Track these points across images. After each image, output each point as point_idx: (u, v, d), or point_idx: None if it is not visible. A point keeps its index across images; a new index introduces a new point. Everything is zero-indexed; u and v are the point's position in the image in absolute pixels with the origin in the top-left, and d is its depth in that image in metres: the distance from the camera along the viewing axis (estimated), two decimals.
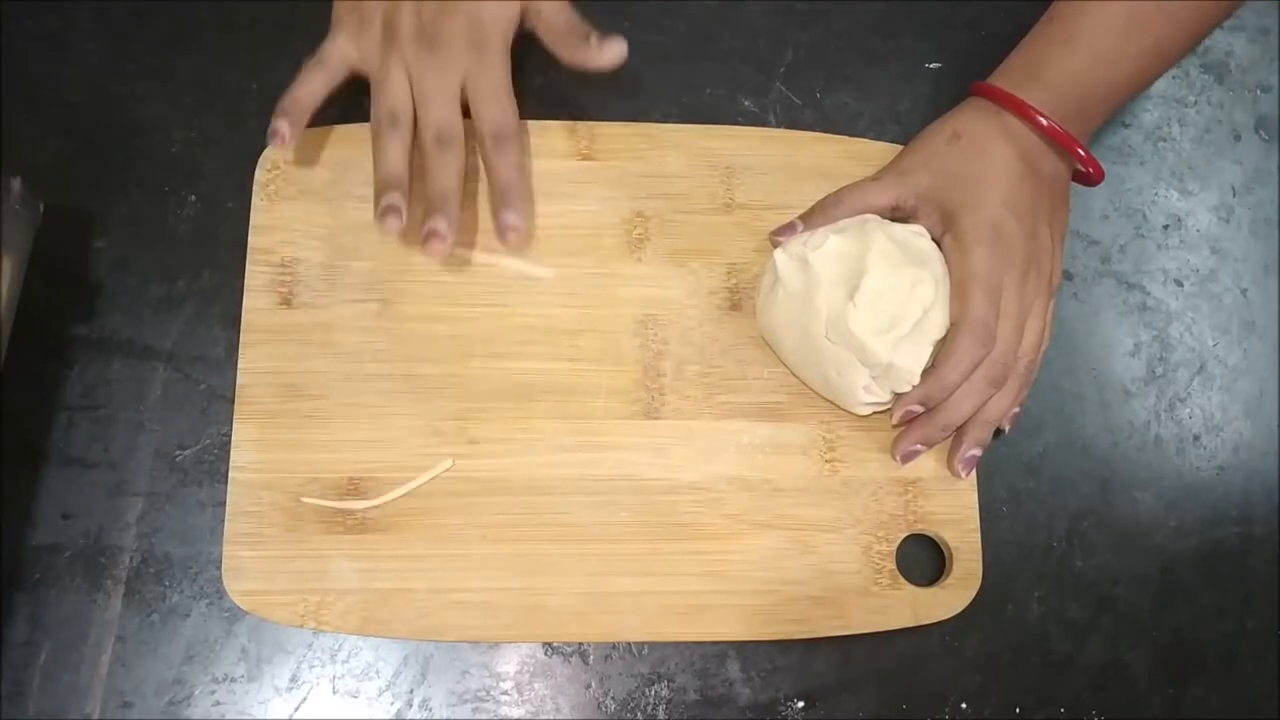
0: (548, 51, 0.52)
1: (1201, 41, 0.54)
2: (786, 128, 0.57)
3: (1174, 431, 0.56)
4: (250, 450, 0.49)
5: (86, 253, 0.52)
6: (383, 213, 0.48)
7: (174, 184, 0.53)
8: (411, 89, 0.50)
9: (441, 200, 0.49)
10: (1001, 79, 0.51)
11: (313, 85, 0.50)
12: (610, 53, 0.51)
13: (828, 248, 0.49)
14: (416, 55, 0.49)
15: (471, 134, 0.50)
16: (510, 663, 0.49)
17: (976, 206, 0.49)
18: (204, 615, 0.48)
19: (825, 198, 0.52)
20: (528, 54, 0.53)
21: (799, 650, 0.50)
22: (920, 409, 0.49)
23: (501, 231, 0.49)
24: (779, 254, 0.50)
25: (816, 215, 0.52)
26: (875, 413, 0.51)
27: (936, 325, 0.48)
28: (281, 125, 0.48)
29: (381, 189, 0.48)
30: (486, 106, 0.50)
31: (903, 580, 0.50)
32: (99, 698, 0.47)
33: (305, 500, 0.48)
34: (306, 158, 0.53)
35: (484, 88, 0.50)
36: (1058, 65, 0.50)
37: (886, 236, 0.49)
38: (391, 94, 0.49)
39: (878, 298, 0.47)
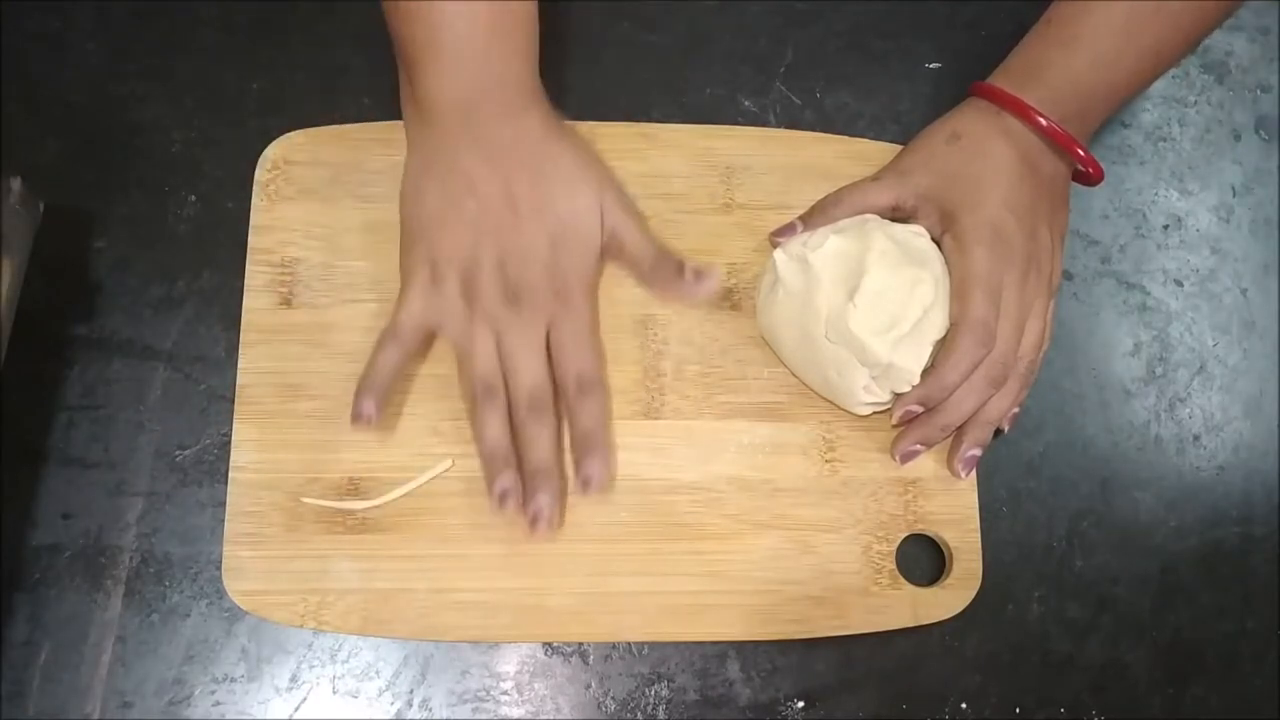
0: (557, 51, 0.52)
1: (1201, 42, 0.54)
2: (786, 128, 0.57)
3: (1174, 431, 0.56)
4: (250, 450, 0.49)
5: (86, 253, 0.52)
6: (500, 497, 0.46)
7: (174, 184, 0.53)
8: (498, 350, 0.48)
9: (542, 476, 0.47)
10: (1001, 79, 0.51)
11: (390, 360, 0.47)
12: (706, 285, 0.48)
13: (827, 248, 0.49)
14: (501, 313, 0.47)
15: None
16: (510, 663, 0.49)
17: (976, 206, 0.49)
18: (204, 615, 0.48)
19: (825, 198, 0.52)
20: None
21: (799, 650, 0.50)
22: (920, 409, 0.49)
23: (583, 482, 0.47)
24: (779, 254, 0.50)
25: (816, 216, 0.52)
26: (875, 413, 0.51)
27: (936, 325, 0.48)
28: (367, 406, 0.46)
29: (492, 469, 0.47)
30: (572, 355, 0.48)
31: (903, 580, 0.50)
32: (99, 698, 0.47)
33: (305, 500, 0.48)
34: (307, 158, 0.53)
35: (568, 335, 0.48)
36: (1057, 66, 0.50)
37: (886, 236, 0.49)
38: (483, 363, 0.47)
39: (878, 298, 0.47)
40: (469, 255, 0.47)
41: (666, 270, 0.49)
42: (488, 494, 0.47)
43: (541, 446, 0.47)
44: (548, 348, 0.48)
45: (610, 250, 0.50)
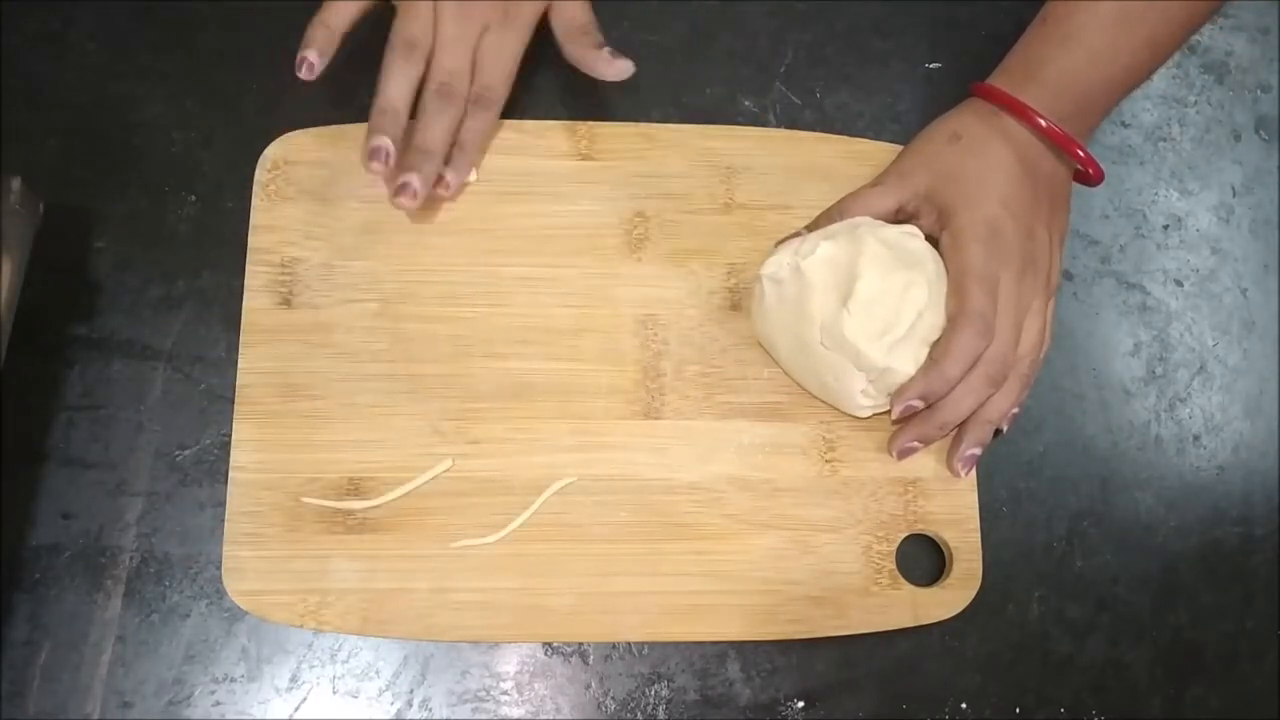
0: (556, 50, 0.52)
1: (1194, 34, 0.54)
2: (786, 128, 0.57)
3: (1174, 431, 0.56)
4: (250, 450, 0.49)
5: (86, 253, 0.52)
6: (371, 153, 0.48)
7: (174, 184, 0.53)
8: (434, 24, 0.50)
9: (423, 156, 0.49)
10: (1000, 80, 0.51)
11: (344, 9, 0.50)
12: (617, 66, 0.52)
13: (819, 254, 0.48)
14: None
15: None
16: (510, 663, 0.49)
17: (973, 205, 0.49)
18: (204, 615, 0.48)
19: (829, 207, 0.52)
20: (529, 53, 0.53)
21: (799, 650, 0.50)
22: (920, 404, 0.48)
23: (435, 181, 0.50)
24: (770, 262, 0.50)
25: (821, 224, 0.52)
26: (875, 414, 0.51)
27: (931, 327, 0.48)
28: (310, 55, 0.49)
29: (377, 122, 0.49)
30: (488, 65, 0.51)
31: (903, 580, 0.50)
32: (99, 698, 0.47)
33: (305, 500, 0.48)
34: (307, 158, 0.53)
35: (494, 47, 0.51)
36: (1054, 64, 0.50)
37: (878, 240, 0.48)
38: (417, 22, 0.50)
39: (871, 303, 0.47)
40: None
41: (588, 38, 0.52)
42: (364, 149, 0.48)
43: (438, 127, 0.50)
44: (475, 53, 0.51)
45: (554, 9, 0.53)
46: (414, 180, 0.49)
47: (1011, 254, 0.49)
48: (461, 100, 0.51)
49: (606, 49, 0.52)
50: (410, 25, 0.50)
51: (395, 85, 0.50)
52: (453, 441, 0.50)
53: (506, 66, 0.52)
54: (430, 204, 0.52)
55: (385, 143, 0.49)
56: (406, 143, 0.50)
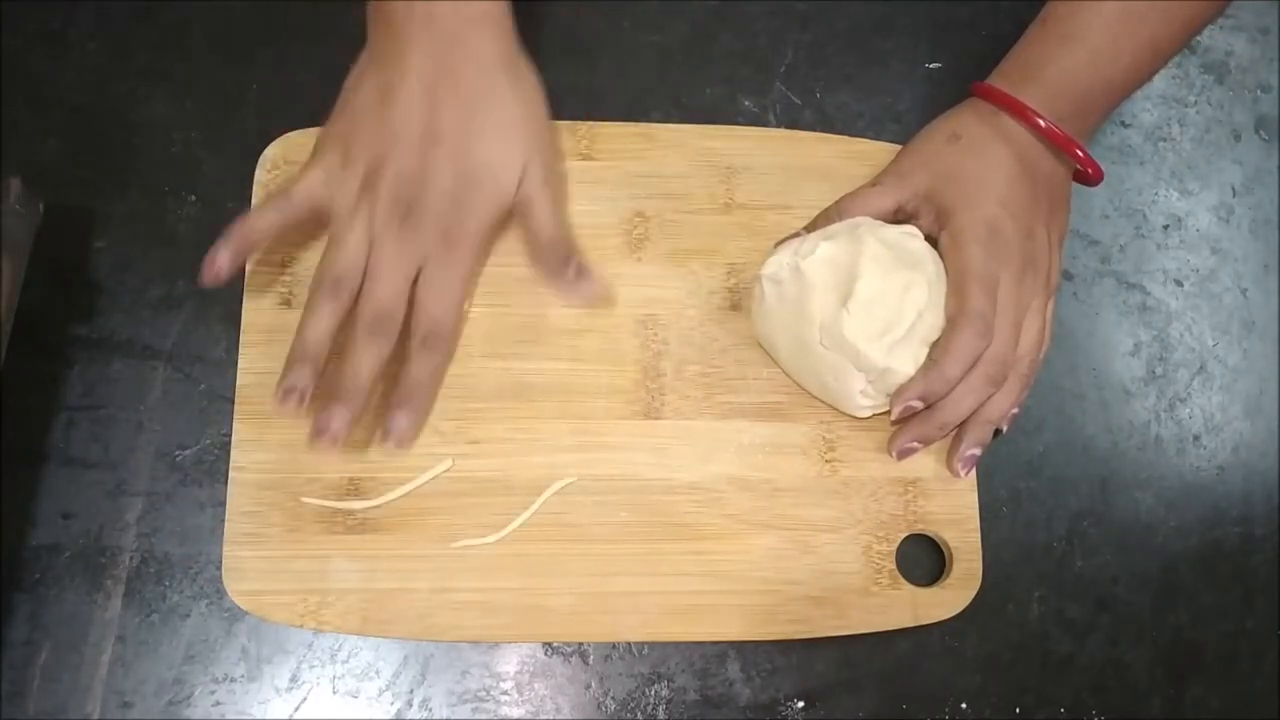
0: (556, 50, 0.52)
1: (1196, 35, 0.54)
2: (786, 128, 0.57)
3: (1174, 431, 0.56)
4: (250, 450, 0.49)
5: (86, 253, 0.52)
6: (285, 392, 0.44)
7: (174, 184, 0.53)
8: (368, 257, 0.47)
9: (350, 394, 0.45)
10: (999, 80, 0.51)
11: (268, 219, 0.47)
12: (584, 287, 0.49)
13: (819, 254, 0.48)
14: (386, 221, 0.46)
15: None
16: (510, 663, 0.49)
17: (972, 205, 0.49)
18: (204, 615, 0.48)
19: (828, 207, 0.52)
20: (529, 53, 0.53)
21: (799, 650, 0.50)
22: (920, 404, 0.48)
23: (385, 432, 0.47)
24: (770, 262, 0.50)
25: (820, 225, 0.52)
26: (875, 414, 0.51)
27: (931, 327, 0.48)
28: (221, 255, 0.45)
29: (294, 359, 0.45)
30: (432, 302, 0.47)
31: (903, 580, 0.50)
32: (99, 698, 0.47)
33: (305, 500, 0.48)
34: (306, 158, 0.53)
35: (437, 280, 0.47)
36: (1054, 64, 0.50)
37: (878, 240, 0.48)
38: (346, 257, 0.46)
39: (871, 303, 0.47)
40: (381, 155, 0.47)
41: (554, 257, 0.49)
42: (276, 389, 0.45)
43: (365, 365, 0.45)
44: (415, 286, 0.47)
45: (518, 215, 0.49)
46: (334, 421, 0.45)
47: (1011, 254, 0.49)
48: (392, 339, 0.46)
49: (573, 263, 0.49)
50: (338, 259, 0.46)
51: (317, 324, 0.45)
52: (453, 441, 0.50)
53: (451, 301, 0.47)
54: None
55: (300, 381, 0.44)
56: (327, 383, 0.46)
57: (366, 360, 0.46)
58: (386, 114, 0.47)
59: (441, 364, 0.49)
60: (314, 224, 0.49)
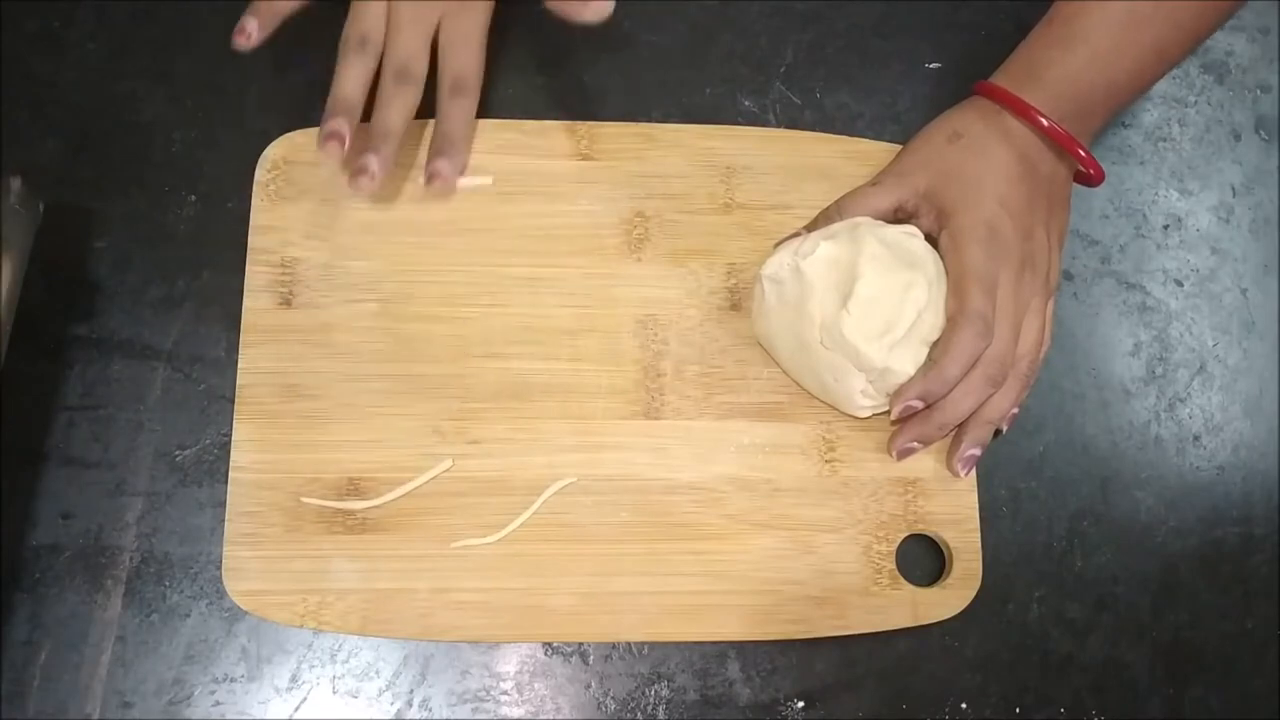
0: (556, 50, 0.52)
1: (1202, 43, 0.54)
2: (786, 128, 0.57)
3: (1174, 431, 0.56)
4: (250, 450, 0.49)
5: (86, 253, 0.52)
6: (326, 137, 0.47)
7: (174, 184, 0.53)
8: (388, 16, 0.49)
9: (382, 138, 0.48)
10: (1002, 79, 0.51)
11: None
12: (594, 7, 0.48)
13: (819, 254, 0.48)
14: None
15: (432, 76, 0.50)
16: (510, 663, 0.49)
17: (972, 205, 0.49)
18: (204, 615, 0.48)
19: (827, 207, 0.52)
20: (529, 53, 0.53)
21: (799, 650, 0.50)
22: (920, 404, 0.49)
23: (430, 175, 0.50)
24: (770, 262, 0.50)
25: (820, 225, 0.52)
26: (875, 414, 0.51)
27: (931, 327, 0.48)
28: (249, 23, 0.48)
29: (331, 112, 0.48)
30: (455, 52, 0.50)
31: (903, 580, 0.50)
32: (99, 698, 0.47)
33: (305, 500, 0.48)
34: (307, 158, 0.53)
35: (458, 32, 0.50)
36: (1058, 65, 0.50)
37: (878, 240, 0.48)
38: (368, 16, 0.49)
39: (871, 303, 0.47)
40: None
41: None
42: (319, 136, 0.47)
43: (395, 110, 0.49)
44: (436, 42, 0.50)
45: None
46: (372, 161, 0.48)
47: (1010, 254, 0.49)
48: (419, 85, 0.50)
49: None
50: (362, 21, 0.49)
51: (350, 81, 0.49)
52: (453, 442, 0.50)
53: (473, 49, 0.51)
54: (431, 204, 0.52)
55: (340, 127, 0.47)
56: (362, 137, 0.49)
57: (395, 107, 0.49)
58: None
59: (470, 108, 0.51)
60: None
